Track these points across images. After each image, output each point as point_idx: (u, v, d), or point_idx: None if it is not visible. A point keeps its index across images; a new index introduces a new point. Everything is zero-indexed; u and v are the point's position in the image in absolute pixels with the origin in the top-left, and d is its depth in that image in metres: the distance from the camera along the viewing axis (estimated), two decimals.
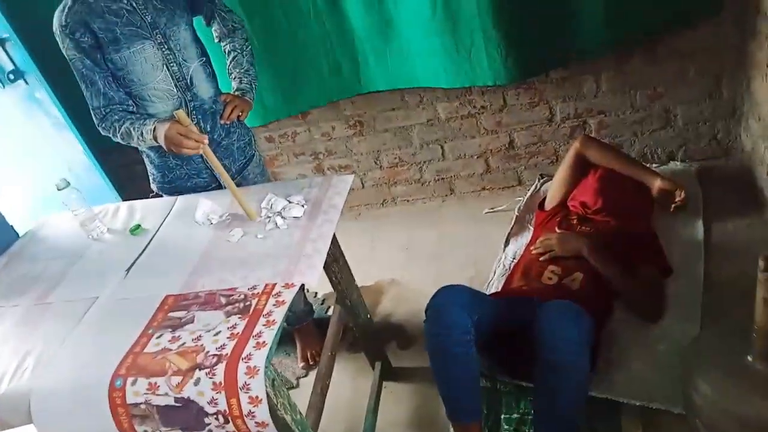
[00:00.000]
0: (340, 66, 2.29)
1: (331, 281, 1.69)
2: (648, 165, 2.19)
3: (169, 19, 1.55)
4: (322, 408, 1.50)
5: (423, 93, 2.40)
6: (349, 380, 1.96)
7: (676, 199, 2.03)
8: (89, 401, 1.15)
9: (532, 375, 1.47)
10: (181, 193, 1.72)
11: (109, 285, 1.43)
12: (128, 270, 1.47)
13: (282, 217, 1.46)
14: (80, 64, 1.49)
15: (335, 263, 1.64)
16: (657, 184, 2.04)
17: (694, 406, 1.38)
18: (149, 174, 1.77)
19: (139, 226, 1.62)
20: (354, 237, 2.45)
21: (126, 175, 2.66)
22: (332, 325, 1.72)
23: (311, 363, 2.02)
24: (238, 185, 1.60)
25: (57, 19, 1.47)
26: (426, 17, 2.06)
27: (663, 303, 1.79)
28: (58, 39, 1.49)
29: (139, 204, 1.74)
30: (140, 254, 1.52)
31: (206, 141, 1.45)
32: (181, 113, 1.44)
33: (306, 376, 2.04)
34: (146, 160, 1.74)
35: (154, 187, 1.78)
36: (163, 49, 1.54)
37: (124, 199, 2.56)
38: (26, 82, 2.30)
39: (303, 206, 1.49)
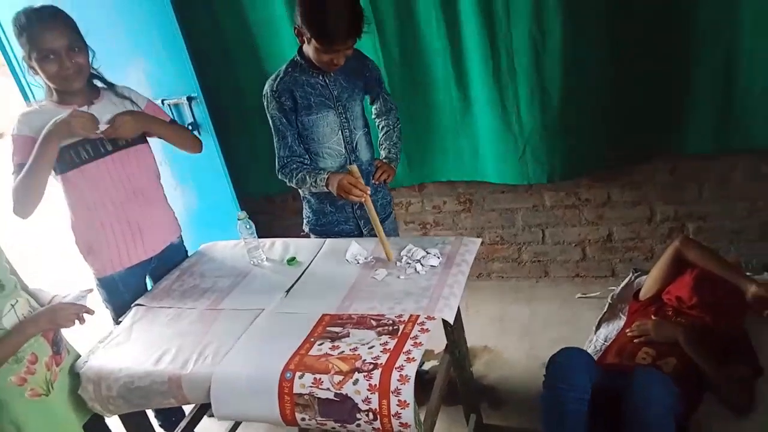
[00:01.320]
0: (462, 153, 2.61)
1: (446, 330, 1.91)
2: None
3: (350, 95, 1.92)
4: None
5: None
6: (444, 430, 2.13)
7: None
8: (261, 388, 1.41)
9: None
10: (328, 236, 2.03)
11: (272, 301, 1.72)
12: (288, 291, 1.76)
13: (421, 264, 1.73)
14: (279, 122, 1.87)
15: None
16: (752, 289, 2.15)
17: None
18: (304, 217, 2.10)
19: (294, 258, 1.93)
20: None
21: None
22: (441, 372, 1.92)
23: None
24: (374, 236, 1.89)
25: (269, 85, 1.87)
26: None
27: (753, 396, 1.88)
28: (265, 101, 1.88)
29: (292, 241, 2.07)
30: (297, 279, 1.82)
31: (369, 193, 1.77)
32: (354, 168, 1.78)
33: None
34: (305, 205, 2.08)
35: (306, 228, 2.11)
36: (341, 118, 1.91)
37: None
38: (199, 133, 2.75)
39: (438, 258, 1.75)
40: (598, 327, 2.44)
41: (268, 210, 3.21)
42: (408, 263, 1.76)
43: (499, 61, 2.32)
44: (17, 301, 1.55)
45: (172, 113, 2.73)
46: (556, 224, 2.76)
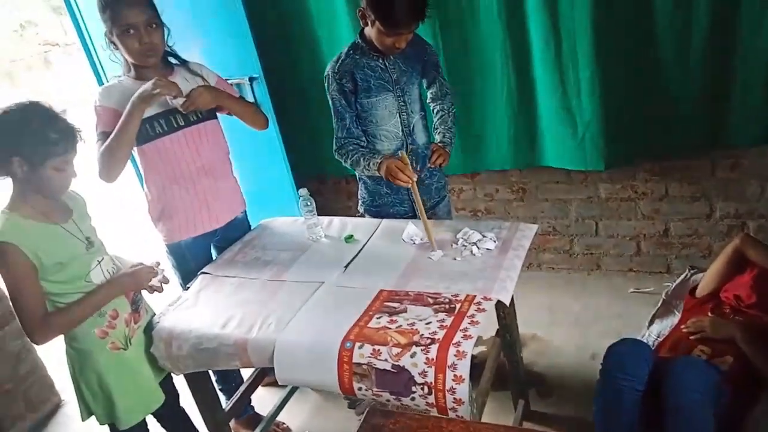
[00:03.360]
0: (519, 140, 2.61)
1: (498, 315, 1.93)
2: None
3: (408, 78, 1.96)
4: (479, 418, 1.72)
5: (588, 172, 2.65)
6: (492, 414, 2.15)
7: None
8: (322, 355, 1.47)
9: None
10: (383, 217, 2.08)
11: (331, 275, 1.78)
12: (346, 267, 1.82)
13: (477, 247, 1.75)
14: (338, 103, 1.93)
15: None
16: None
17: None
18: (360, 197, 2.16)
19: (352, 236, 1.98)
20: None
21: None
22: (492, 354, 1.95)
23: None
24: (429, 218, 1.92)
25: (330, 67, 1.92)
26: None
27: None
28: (326, 81, 1.94)
29: (349, 220, 2.12)
30: (355, 256, 1.87)
31: (415, 179, 1.81)
32: (404, 154, 1.83)
33: None
34: (361, 186, 2.13)
35: (361, 209, 2.16)
36: (399, 101, 1.95)
37: None
38: None
39: (495, 242, 1.78)
40: (651, 322, 2.42)
41: (323, 191, 3.28)
42: (464, 246, 1.79)
43: (560, 44, 2.30)
44: (103, 258, 1.68)
45: None
46: (610, 217, 2.73)
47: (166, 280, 1.75)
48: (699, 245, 2.63)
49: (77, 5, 2.91)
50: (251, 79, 2.77)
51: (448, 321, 1.46)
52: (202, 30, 2.79)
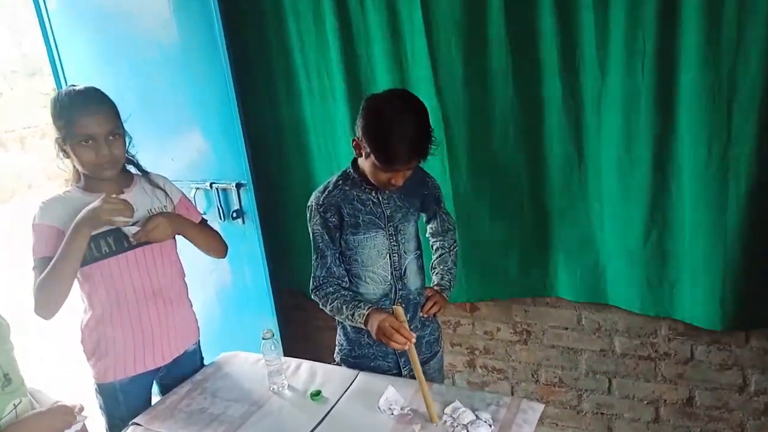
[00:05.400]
0: (529, 267, 2.32)
1: None
2: None
3: (404, 216, 1.69)
4: None
5: (602, 322, 2.34)
6: None
7: None
8: None
9: None
10: (362, 369, 1.75)
11: None
12: None
13: None
14: (320, 238, 1.65)
15: None
16: None
17: None
18: (337, 344, 1.83)
19: (320, 392, 1.65)
20: None
21: (289, 317, 2.81)
22: None
23: None
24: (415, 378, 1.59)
25: (315, 198, 1.66)
26: (634, 247, 2.07)
27: None
28: (309, 213, 1.67)
29: (320, 368, 1.80)
30: (318, 424, 1.53)
31: (414, 340, 1.49)
32: (399, 310, 1.51)
33: None
34: (340, 331, 1.81)
35: (337, 357, 1.83)
36: (391, 240, 1.67)
37: (284, 341, 2.72)
38: (243, 222, 2.59)
39: (490, 426, 1.44)
40: None
41: (306, 307, 2.97)
42: (452, 426, 1.45)
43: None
44: (21, 401, 1.36)
45: (219, 198, 2.60)
46: (626, 375, 2.38)
47: None
48: (729, 421, 2.25)
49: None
50: (238, 186, 2.55)
51: None
52: (190, 128, 2.62)
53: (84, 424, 1.44)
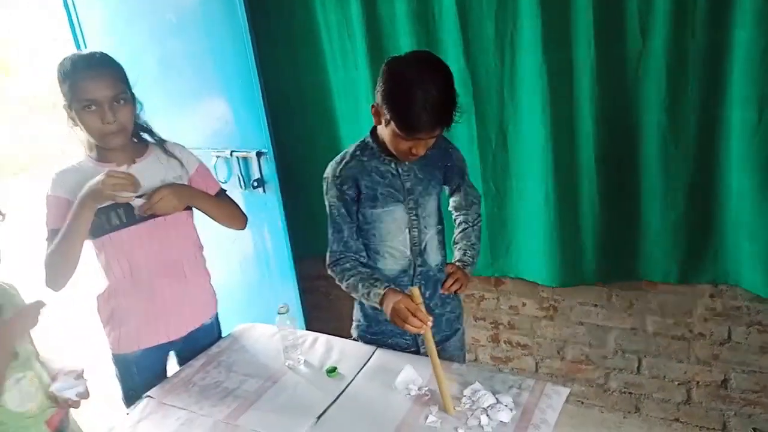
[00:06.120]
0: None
1: None
2: None
3: (424, 188, 1.60)
4: None
5: (636, 300, 2.24)
6: None
7: None
8: None
9: None
10: (379, 346, 1.70)
11: (297, 429, 1.40)
12: (318, 417, 1.44)
13: (488, 416, 1.35)
14: (336, 211, 1.58)
15: None
16: None
17: None
18: (354, 320, 1.77)
19: (335, 369, 1.61)
20: None
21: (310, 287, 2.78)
22: None
23: None
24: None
25: (331, 169, 1.58)
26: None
27: None
28: (325, 185, 1.59)
29: (337, 342, 1.75)
30: (333, 402, 1.49)
31: (431, 323, 1.41)
32: (416, 291, 1.43)
33: None
34: (357, 306, 1.75)
35: (354, 333, 1.77)
36: (411, 215, 1.59)
37: (305, 311, 2.69)
38: (264, 191, 2.54)
39: (512, 410, 1.37)
40: None
41: (328, 275, 2.92)
42: (471, 410, 1.39)
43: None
44: (24, 375, 1.34)
45: (240, 166, 2.54)
46: (657, 354, 2.28)
47: (85, 395, 1.37)
48: (766, 405, 2.15)
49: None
50: (259, 154, 2.48)
51: None
52: (210, 94, 2.55)
53: (86, 386, 1.40)
